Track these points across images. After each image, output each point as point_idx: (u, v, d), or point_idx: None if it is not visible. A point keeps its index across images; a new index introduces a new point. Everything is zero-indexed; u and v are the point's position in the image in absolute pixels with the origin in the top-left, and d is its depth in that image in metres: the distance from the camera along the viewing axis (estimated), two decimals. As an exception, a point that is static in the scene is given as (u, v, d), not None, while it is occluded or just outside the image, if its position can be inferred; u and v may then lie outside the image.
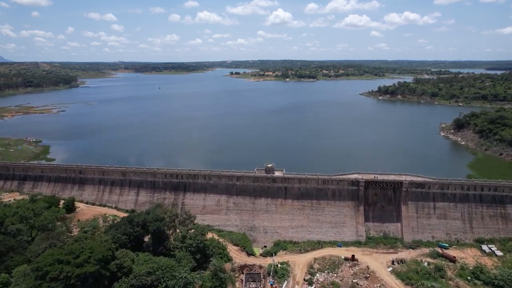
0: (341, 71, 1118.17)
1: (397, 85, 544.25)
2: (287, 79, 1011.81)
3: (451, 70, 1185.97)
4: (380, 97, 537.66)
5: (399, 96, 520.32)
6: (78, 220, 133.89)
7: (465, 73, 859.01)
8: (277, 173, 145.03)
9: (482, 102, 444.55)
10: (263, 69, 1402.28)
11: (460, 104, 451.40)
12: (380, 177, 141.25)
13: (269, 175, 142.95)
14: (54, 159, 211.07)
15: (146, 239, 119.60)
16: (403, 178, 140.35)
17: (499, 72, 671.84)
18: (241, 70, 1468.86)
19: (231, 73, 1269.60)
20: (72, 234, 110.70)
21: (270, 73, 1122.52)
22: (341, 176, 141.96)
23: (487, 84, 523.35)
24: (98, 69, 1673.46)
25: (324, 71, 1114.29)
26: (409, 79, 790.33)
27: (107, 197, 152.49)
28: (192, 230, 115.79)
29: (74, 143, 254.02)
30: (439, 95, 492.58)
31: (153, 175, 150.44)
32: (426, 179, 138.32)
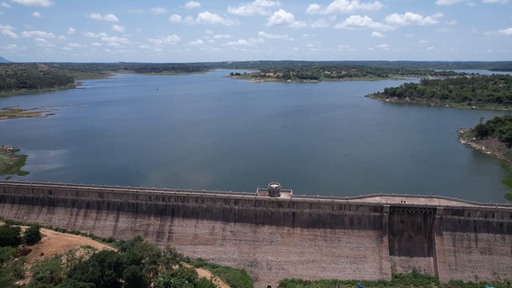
0: (343, 72, 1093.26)
1: (404, 87, 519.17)
2: (289, 80, 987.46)
3: (455, 71, 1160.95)
4: (387, 100, 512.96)
5: (407, 99, 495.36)
6: (42, 253, 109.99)
7: (471, 74, 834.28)
8: (283, 196, 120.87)
9: (497, 105, 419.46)
10: (264, 69, 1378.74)
11: (473, 107, 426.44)
12: (407, 201, 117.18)
13: (273, 198, 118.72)
14: (27, 173, 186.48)
15: (122, 280, 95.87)
16: (435, 202, 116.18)
17: (510, 74, 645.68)
18: (241, 71, 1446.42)
19: (231, 74, 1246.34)
20: (21, 283, 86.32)
21: (271, 74, 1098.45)
22: (360, 200, 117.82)
23: (500, 85, 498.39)
24: (97, 70, 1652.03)
25: (326, 72, 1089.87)
26: (414, 80, 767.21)
27: (81, 222, 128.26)
28: (179, 274, 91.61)
29: (55, 153, 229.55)
30: (450, 97, 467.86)
31: (135, 197, 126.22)
32: (465, 204, 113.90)
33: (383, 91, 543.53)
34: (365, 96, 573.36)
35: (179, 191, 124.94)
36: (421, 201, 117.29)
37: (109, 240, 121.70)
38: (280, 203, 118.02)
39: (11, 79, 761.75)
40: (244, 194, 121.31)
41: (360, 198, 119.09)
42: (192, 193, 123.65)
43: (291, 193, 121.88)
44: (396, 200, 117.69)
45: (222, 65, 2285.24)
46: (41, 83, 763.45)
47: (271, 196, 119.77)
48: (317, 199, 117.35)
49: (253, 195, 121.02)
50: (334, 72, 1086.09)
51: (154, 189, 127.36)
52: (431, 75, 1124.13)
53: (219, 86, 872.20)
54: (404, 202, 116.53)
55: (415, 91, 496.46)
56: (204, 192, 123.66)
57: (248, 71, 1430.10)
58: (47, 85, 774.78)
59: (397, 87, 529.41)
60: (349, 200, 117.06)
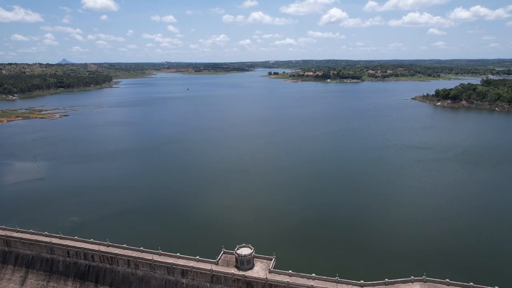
0: (389, 72, 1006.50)
1: (460, 88, 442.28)
2: (328, 80, 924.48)
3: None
4: (439, 103, 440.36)
5: (463, 102, 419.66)
6: None
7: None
8: (258, 267, 75.15)
9: None
10: (304, 69, 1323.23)
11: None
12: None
13: (240, 273, 73.36)
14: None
15: None
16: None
17: None
18: (281, 70, 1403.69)
19: (269, 74, 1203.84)
20: None
21: (311, 73, 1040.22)
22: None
23: None
24: (141, 69, 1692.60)
25: (370, 71, 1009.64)
26: (471, 80, 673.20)
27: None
28: None
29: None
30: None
31: (50, 250, 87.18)
32: None
33: (434, 93, 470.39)
34: (412, 98, 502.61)
35: (108, 245, 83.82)
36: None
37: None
38: (249, 283, 72.40)
39: (52, 78, 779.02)
40: (198, 261, 77.36)
41: (387, 284, 69.84)
42: (124, 252, 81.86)
43: (272, 264, 75.77)
44: (452, 292, 67.45)
45: (264, 64, 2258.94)
46: (77, 83, 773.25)
47: (238, 268, 74.55)
48: (313, 280, 70.25)
49: (212, 263, 76.71)
50: (378, 72, 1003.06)
51: (73, 239, 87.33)
52: (492, 74, 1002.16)
53: (251, 87, 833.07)
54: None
55: (474, 93, 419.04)
56: (141, 251, 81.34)
57: (288, 70, 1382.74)
58: (83, 84, 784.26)
59: (451, 89, 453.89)
60: None
